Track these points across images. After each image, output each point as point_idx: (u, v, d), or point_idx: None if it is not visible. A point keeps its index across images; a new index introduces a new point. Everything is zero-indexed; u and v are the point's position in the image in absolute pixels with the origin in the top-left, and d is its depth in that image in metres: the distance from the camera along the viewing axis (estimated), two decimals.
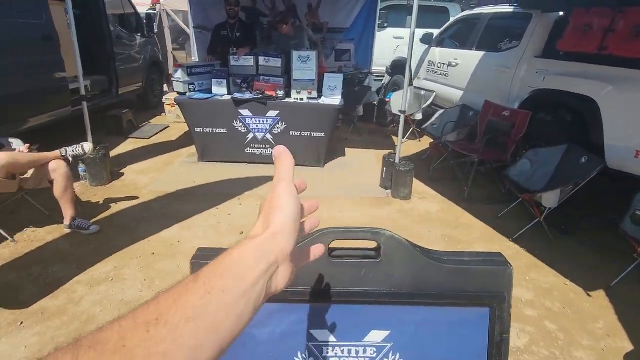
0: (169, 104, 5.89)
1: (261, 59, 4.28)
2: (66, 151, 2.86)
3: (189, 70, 4.22)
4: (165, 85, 7.48)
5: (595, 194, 3.36)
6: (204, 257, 0.87)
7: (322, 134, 4.22)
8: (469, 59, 4.72)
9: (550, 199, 2.78)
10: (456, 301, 0.88)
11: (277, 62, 4.25)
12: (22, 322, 2.06)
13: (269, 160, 4.36)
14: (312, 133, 4.22)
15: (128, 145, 4.94)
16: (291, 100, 4.17)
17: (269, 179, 3.97)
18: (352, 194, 3.74)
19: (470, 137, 4.40)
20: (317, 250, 0.53)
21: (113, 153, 4.53)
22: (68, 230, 2.89)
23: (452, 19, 5.62)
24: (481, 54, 4.54)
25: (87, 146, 2.96)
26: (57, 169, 2.78)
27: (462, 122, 4.33)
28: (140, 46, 6.32)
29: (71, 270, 2.48)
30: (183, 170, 4.18)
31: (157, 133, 5.44)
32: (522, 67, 3.90)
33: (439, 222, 3.28)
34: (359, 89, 5.61)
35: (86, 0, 5.09)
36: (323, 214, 3.34)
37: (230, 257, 0.36)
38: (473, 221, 3.34)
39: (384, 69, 7.02)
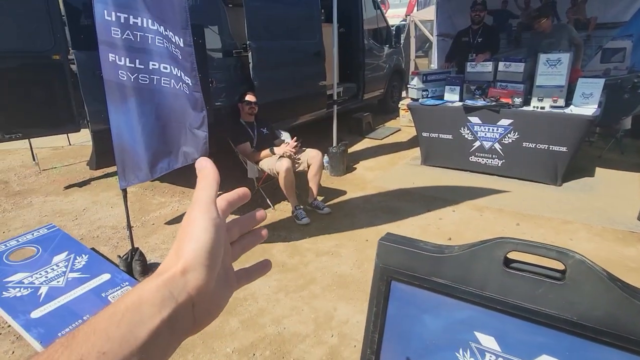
0: (403, 109, 6.32)
1: (501, 64, 4.06)
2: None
3: (424, 77, 4.44)
4: (404, 91, 8.01)
5: None
6: (390, 241, 1.03)
7: (564, 149, 3.66)
8: None
9: None
10: None
11: (518, 67, 3.94)
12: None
13: (494, 171, 4.12)
14: (551, 146, 3.72)
15: (363, 144, 5.62)
16: (529, 108, 3.79)
17: (491, 191, 3.78)
18: (591, 220, 3.12)
19: None
20: (264, 268, 0.45)
21: (351, 150, 5.26)
22: (308, 207, 3.61)
23: None
24: None
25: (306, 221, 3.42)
26: (316, 157, 3.52)
27: None
28: (386, 56, 7.00)
29: (305, 238, 3.11)
30: (405, 171, 4.46)
31: (389, 135, 5.95)
32: None
33: None
34: (629, 96, 4.50)
35: (349, 19, 6.04)
36: (546, 237, 2.95)
37: (123, 306, 0.30)
38: None
39: None
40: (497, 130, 3.96)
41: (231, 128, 3.70)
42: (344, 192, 3.99)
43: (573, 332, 0.83)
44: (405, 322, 0.99)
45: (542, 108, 3.73)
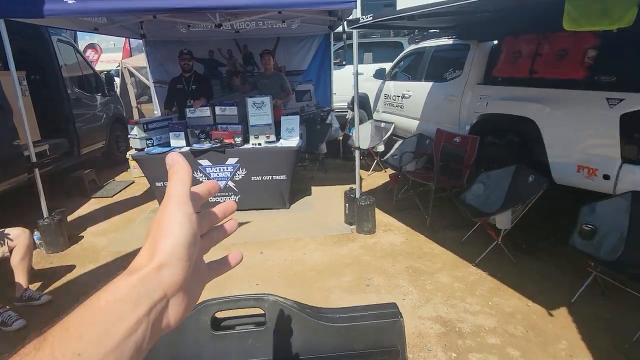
0: (132, 160, 5.86)
1: (217, 109, 4.34)
2: None
3: (145, 126, 4.23)
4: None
5: (556, 210, 3.43)
6: None
7: (284, 176, 4.24)
8: (420, 90, 4.90)
9: (502, 221, 2.82)
10: None
11: (233, 111, 4.31)
12: None
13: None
14: (274, 176, 4.23)
15: (90, 206, 4.83)
16: (249, 145, 4.21)
17: None
18: (315, 233, 3.72)
19: (430, 165, 4.49)
20: (234, 258, 0.46)
21: (73, 216, 4.43)
22: (19, 304, 2.76)
23: (401, 54, 5.88)
24: (430, 84, 4.73)
25: None
26: (20, 236, 2.73)
27: (420, 151, 4.43)
28: (101, 105, 6.35)
29: (16, 347, 2.33)
30: (144, 227, 4.08)
31: (120, 190, 5.36)
32: (467, 94, 4.07)
33: (402, 255, 3.27)
34: (320, 127, 5.72)
35: (42, 66, 5.15)
36: (286, 257, 3.30)
37: (97, 304, 0.29)
38: (437, 249, 3.34)
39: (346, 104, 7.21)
40: (227, 169, 4.20)
41: None
42: (70, 270, 3.28)
43: None
44: None
45: (259, 144, 4.21)
